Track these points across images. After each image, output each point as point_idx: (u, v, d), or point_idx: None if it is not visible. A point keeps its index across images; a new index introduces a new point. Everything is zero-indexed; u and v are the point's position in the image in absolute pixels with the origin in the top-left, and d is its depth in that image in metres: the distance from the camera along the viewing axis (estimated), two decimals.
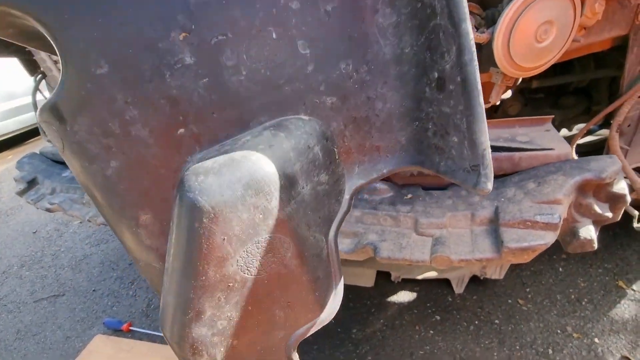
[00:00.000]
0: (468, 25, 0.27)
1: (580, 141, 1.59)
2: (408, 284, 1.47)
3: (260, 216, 0.29)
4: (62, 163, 1.27)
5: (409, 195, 0.69)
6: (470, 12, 0.62)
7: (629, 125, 0.82)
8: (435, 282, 1.43)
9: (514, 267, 1.42)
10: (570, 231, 0.59)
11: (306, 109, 0.33)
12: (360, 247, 0.65)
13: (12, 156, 4.46)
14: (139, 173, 0.33)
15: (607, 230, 1.46)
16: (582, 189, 0.56)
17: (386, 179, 0.73)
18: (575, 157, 0.86)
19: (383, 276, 1.49)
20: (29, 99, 4.51)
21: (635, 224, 0.88)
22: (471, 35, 0.28)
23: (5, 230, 2.66)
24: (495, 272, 1.30)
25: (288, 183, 0.29)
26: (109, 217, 0.35)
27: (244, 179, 0.28)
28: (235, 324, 0.30)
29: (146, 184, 0.34)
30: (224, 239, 0.29)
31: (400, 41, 0.32)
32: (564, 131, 1.62)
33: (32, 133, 4.85)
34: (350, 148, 0.36)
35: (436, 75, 0.32)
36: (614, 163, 0.55)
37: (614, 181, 0.56)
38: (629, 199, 0.57)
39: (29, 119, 4.56)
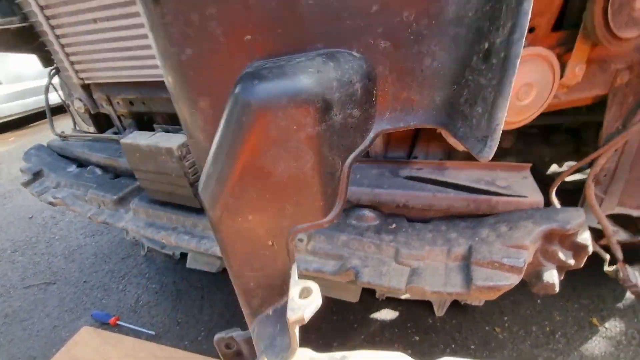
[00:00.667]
0: (529, 5, 0.30)
1: (570, 178, 1.64)
2: (392, 302, 1.51)
3: (294, 127, 0.34)
4: (68, 158, 1.31)
5: (394, 225, 0.74)
6: None
7: (605, 175, 0.87)
8: (418, 302, 1.47)
9: None
10: (535, 274, 0.64)
11: (359, 47, 0.37)
12: (344, 269, 0.70)
13: (14, 138, 4.50)
14: (207, 64, 0.39)
15: (585, 268, 1.52)
16: (549, 236, 0.62)
17: (373, 208, 0.78)
18: (555, 201, 0.91)
19: (368, 292, 1.53)
20: (34, 83, 4.57)
21: (606, 268, 0.93)
22: (528, 16, 0.30)
23: (2, 213, 2.69)
24: (476, 299, 1.35)
25: (324, 107, 0.34)
26: (174, 93, 0.41)
27: (290, 92, 0.33)
28: (254, 203, 0.38)
29: (210, 75, 0.39)
30: (262, 136, 0.34)
31: (467, 3, 0.35)
32: (554, 166, 1.68)
33: (35, 117, 4.89)
34: (388, 94, 0.39)
35: (486, 45, 0.34)
36: (579, 216, 0.60)
37: (577, 232, 0.61)
38: (590, 249, 0.62)
39: (33, 102, 4.61)
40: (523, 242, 0.59)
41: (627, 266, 0.86)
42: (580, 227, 0.60)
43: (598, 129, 1.28)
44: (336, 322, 1.46)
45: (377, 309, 1.51)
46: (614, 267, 0.91)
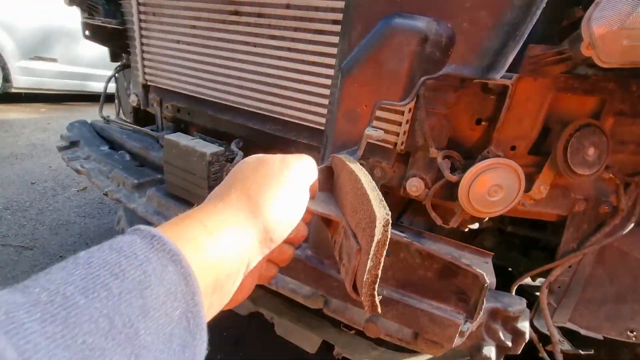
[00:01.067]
0: None
1: None
2: None
3: (406, 42, 0.63)
4: (104, 139, 1.46)
5: None
6: (453, 157, 0.84)
7: (559, 287, 0.98)
8: None
9: None
10: (477, 346, 0.73)
11: (453, 23, 0.62)
12: (316, 296, 0.79)
13: (45, 110, 4.75)
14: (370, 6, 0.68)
15: None
16: (493, 314, 0.71)
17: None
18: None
19: (327, 347, 1.53)
20: (84, 69, 4.91)
21: None
22: None
23: (8, 172, 2.78)
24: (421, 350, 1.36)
25: (423, 39, 0.62)
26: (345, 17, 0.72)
27: (409, 25, 0.66)
28: (367, 77, 0.70)
29: (367, 14, 0.68)
30: (388, 43, 0.66)
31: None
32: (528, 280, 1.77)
33: (72, 97, 5.21)
34: (458, 54, 0.65)
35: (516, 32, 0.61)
36: (520, 304, 0.71)
37: (518, 317, 0.71)
38: (527, 337, 0.71)
39: (77, 85, 4.96)
40: None
41: None
42: (520, 313, 0.70)
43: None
44: None
45: None
46: None
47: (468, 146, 0.93)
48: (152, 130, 1.49)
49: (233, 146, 1.13)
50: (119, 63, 1.60)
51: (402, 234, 0.67)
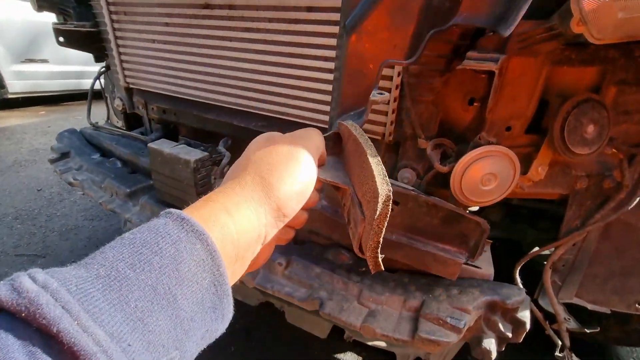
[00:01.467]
0: None
1: None
2: (357, 346, 1.54)
3: None
4: (95, 146, 1.45)
5: (364, 269, 0.84)
6: (444, 145, 0.80)
7: (563, 265, 0.96)
8: (382, 352, 1.50)
9: None
10: (476, 339, 0.72)
11: None
12: (311, 298, 0.78)
13: (45, 112, 4.74)
14: None
15: (548, 354, 1.55)
16: (492, 307, 0.70)
17: (349, 250, 0.87)
18: (517, 279, 0.99)
19: (337, 332, 1.57)
20: (77, 67, 4.86)
21: (557, 353, 0.99)
22: None
23: (14, 180, 2.82)
24: (418, 349, 1.38)
25: None
26: None
27: None
28: (375, 34, 0.65)
29: None
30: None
31: None
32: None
33: (69, 97, 5.18)
34: (468, 4, 0.58)
35: None
36: (519, 294, 0.69)
37: (518, 308, 0.69)
38: (528, 327, 0.70)
39: (72, 84, 4.92)
40: (467, 306, 0.68)
41: (572, 354, 0.92)
42: (519, 304, 0.68)
43: None
44: (301, 353, 1.49)
45: (343, 350, 1.54)
46: (563, 353, 0.97)
47: (461, 129, 0.88)
48: (141, 133, 1.46)
49: (221, 146, 1.11)
50: (103, 64, 1.56)
51: (410, 188, 0.69)
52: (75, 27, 1.24)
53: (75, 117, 4.54)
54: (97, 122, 1.52)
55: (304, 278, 0.82)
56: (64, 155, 1.36)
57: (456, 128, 0.89)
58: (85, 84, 4.99)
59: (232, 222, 0.31)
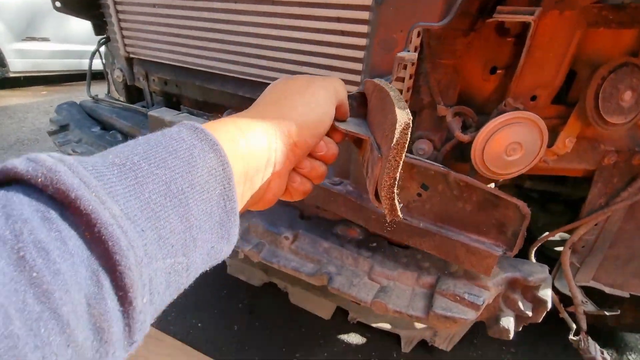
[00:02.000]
0: None
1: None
2: (361, 328, 1.52)
3: None
4: (95, 119, 1.40)
5: (374, 244, 0.80)
6: (464, 114, 0.75)
7: (583, 247, 0.92)
8: (386, 334, 1.49)
9: (463, 344, 1.47)
10: (494, 317, 0.68)
11: None
12: (319, 273, 0.75)
13: (47, 92, 4.69)
14: None
15: (558, 338, 1.52)
16: (512, 284, 0.66)
17: (359, 226, 0.83)
18: (532, 260, 0.95)
19: (341, 314, 1.55)
20: (79, 47, 4.78)
21: (571, 336, 0.95)
22: None
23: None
24: (444, 343, 1.36)
25: None
26: None
27: None
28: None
29: None
30: None
31: None
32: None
33: (71, 77, 5.11)
34: None
35: None
36: (542, 272, 0.65)
37: (539, 286, 0.65)
38: (549, 305, 0.66)
39: (74, 64, 4.84)
40: (486, 282, 0.64)
41: (589, 338, 0.88)
42: (542, 282, 0.64)
43: None
44: (304, 334, 1.48)
45: (346, 332, 1.52)
46: (578, 337, 0.93)
47: (481, 100, 0.83)
48: (142, 106, 1.41)
49: (224, 116, 1.05)
50: (104, 36, 1.50)
51: (440, 165, 0.64)
52: None
53: (78, 97, 4.47)
54: (97, 95, 1.47)
55: (312, 253, 0.78)
56: (63, 128, 1.32)
57: (476, 99, 0.83)
58: (87, 64, 4.90)
59: (242, 139, 0.31)
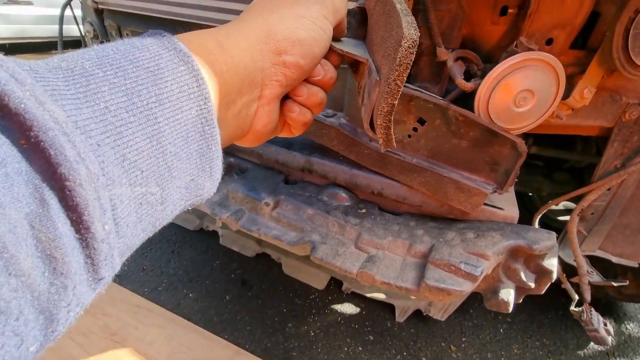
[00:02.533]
0: None
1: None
2: (355, 298, 1.50)
3: None
4: None
5: (364, 210, 0.72)
6: (468, 60, 0.65)
7: (592, 214, 0.84)
8: (381, 304, 1.46)
9: (458, 314, 1.45)
10: (492, 289, 0.62)
11: None
12: (302, 242, 0.68)
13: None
14: None
15: (556, 309, 1.49)
16: (514, 253, 0.59)
17: (349, 190, 0.76)
18: (537, 226, 0.88)
19: (335, 284, 1.52)
20: (66, 11, 4.52)
21: (572, 308, 0.90)
22: None
23: None
24: (439, 313, 1.33)
25: None
26: None
27: None
28: None
29: None
30: None
31: None
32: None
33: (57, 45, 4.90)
34: None
35: None
36: (549, 239, 0.58)
37: (544, 255, 0.58)
38: (554, 276, 0.60)
39: (58, 30, 4.62)
40: (485, 251, 0.57)
41: (592, 309, 0.83)
42: (548, 250, 0.57)
43: None
44: (297, 305, 1.45)
45: (340, 302, 1.49)
46: (580, 308, 0.88)
47: (489, 47, 0.72)
48: None
49: None
50: None
51: (440, 98, 0.59)
52: None
53: None
54: None
55: (294, 220, 0.71)
56: None
57: (483, 45, 0.72)
58: (75, 29, 4.68)
59: (221, 53, 0.26)
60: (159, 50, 0.22)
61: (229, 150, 0.90)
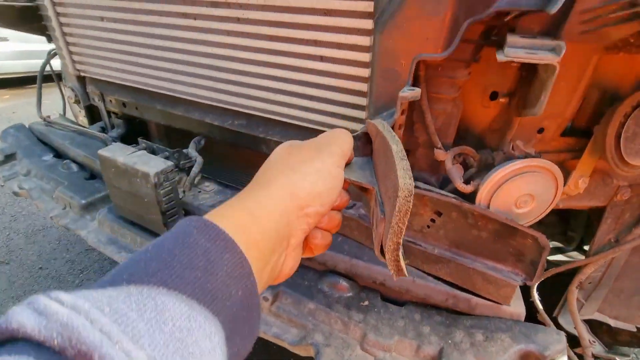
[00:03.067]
0: None
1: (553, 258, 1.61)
2: None
3: None
4: (46, 144, 1.25)
5: (366, 302, 0.70)
6: (464, 154, 0.65)
7: (589, 283, 0.85)
8: None
9: None
10: None
11: None
12: (305, 342, 0.64)
13: (9, 96, 4.37)
14: None
15: None
16: (524, 357, 0.58)
17: (349, 278, 0.73)
18: (536, 296, 0.88)
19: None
20: (41, 46, 4.45)
21: None
22: None
23: None
24: None
25: None
26: None
27: None
28: (405, 26, 0.54)
29: None
30: None
31: None
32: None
33: (34, 79, 4.79)
34: None
35: None
36: (559, 341, 0.57)
37: (555, 358, 0.57)
38: None
39: (36, 64, 4.53)
40: (496, 358, 0.55)
41: None
42: (558, 354, 0.56)
43: (587, 218, 1.26)
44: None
45: None
46: None
47: (481, 130, 0.73)
48: (102, 128, 1.26)
49: (191, 149, 0.93)
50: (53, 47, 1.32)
51: (452, 195, 0.60)
52: (5, 0, 1.01)
53: (44, 101, 4.18)
54: (48, 116, 1.30)
55: (295, 316, 0.68)
56: (8, 158, 1.16)
57: (474, 129, 0.73)
58: (52, 64, 4.59)
59: (255, 225, 0.30)
60: (206, 243, 0.25)
61: None
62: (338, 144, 0.38)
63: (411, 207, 0.31)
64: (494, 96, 0.69)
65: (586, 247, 1.47)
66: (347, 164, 0.42)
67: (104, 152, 0.78)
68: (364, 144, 0.47)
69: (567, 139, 0.68)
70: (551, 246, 1.76)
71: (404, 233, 0.32)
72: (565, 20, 0.45)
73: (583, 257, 1.49)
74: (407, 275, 0.34)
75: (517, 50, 0.45)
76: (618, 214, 0.74)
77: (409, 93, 0.50)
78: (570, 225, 1.38)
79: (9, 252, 1.88)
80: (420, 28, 0.51)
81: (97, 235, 0.91)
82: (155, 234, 0.85)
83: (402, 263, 0.34)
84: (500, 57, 0.46)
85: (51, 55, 1.31)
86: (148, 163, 0.74)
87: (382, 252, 0.36)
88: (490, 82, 0.68)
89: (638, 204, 0.73)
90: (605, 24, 0.42)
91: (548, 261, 1.62)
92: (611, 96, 0.68)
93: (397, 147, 0.36)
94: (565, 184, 0.66)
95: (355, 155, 0.44)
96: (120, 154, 0.78)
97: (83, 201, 0.96)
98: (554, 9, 0.40)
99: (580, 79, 0.61)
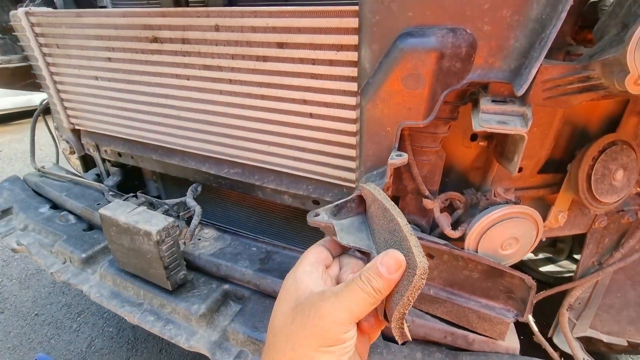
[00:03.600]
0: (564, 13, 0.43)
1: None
2: None
3: (421, 64, 0.53)
4: (42, 196, 1.25)
5: None
6: (451, 198, 0.69)
7: (579, 304, 0.89)
8: None
9: None
10: None
11: (471, 27, 0.51)
12: None
13: None
14: (383, 27, 0.58)
15: None
16: None
17: None
18: (530, 319, 0.91)
19: None
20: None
21: None
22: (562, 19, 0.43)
23: None
24: None
25: (440, 56, 0.52)
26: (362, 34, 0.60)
27: (423, 45, 0.54)
28: (388, 100, 0.59)
29: (382, 33, 0.58)
30: (404, 66, 0.55)
31: (544, 7, 0.47)
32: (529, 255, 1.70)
33: (23, 114, 4.76)
34: (482, 58, 0.53)
35: (544, 35, 0.47)
36: None
37: None
38: None
39: (23, 100, 4.51)
40: None
41: None
42: None
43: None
44: None
45: None
46: None
47: (464, 168, 0.78)
48: (98, 175, 1.28)
49: (189, 197, 0.95)
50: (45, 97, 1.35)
51: (442, 242, 0.64)
52: (0, 62, 1.04)
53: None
54: (43, 166, 1.31)
55: None
56: (5, 213, 1.17)
57: (458, 167, 0.78)
58: (38, 100, 4.57)
59: None
60: None
61: (224, 277, 0.89)
62: (347, 303, 0.35)
63: (424, 284, 0.33)
64: (474, 138, 0.74)
65: (577, 256, 1.53)
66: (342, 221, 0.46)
67: (105, 211, 0.80)
68: (357, 204, 0.50)
69: (544, 175, 0.73)
70: (542, 257, 1.82)
71: (411, 305, 0.34)
72: (530, 88, 0.50)
73: (574, 266, 1.54)
74: (410, 339, 0.36)
75: (490, 119, 0.49)
76: (598, 239, 0.79)
77: (398, 160, 0.55)
78: (559, 237, 1.43)
79: (3, 300, 1.85)
80: (403, 100, 0.56)
81: (99, 289, 0.92)
82: (158, 287, 0.86)
83: (406, 329, 0.36)
84: (476, 127, 0.50)
85: (44, 105, 1.34)
86: (150, 221, 0.76)
87: (385, 316, 0.38)
88: (469, 126, 0.73)
89: (615, 230, 0.78)
90: (565, 93, 0.48)
91: (540, 273, 1.66)
92: (581, 132, 0.74)
93: (402, 221, 0.38)
94: (546, 218, 0.71)
95: (349, 215, 0.48)
96: (121, 212, 0.80)
97: (83, 255, 0.97)
98: (520, 92, 0.45)
99: (551, 124, 0.66)
